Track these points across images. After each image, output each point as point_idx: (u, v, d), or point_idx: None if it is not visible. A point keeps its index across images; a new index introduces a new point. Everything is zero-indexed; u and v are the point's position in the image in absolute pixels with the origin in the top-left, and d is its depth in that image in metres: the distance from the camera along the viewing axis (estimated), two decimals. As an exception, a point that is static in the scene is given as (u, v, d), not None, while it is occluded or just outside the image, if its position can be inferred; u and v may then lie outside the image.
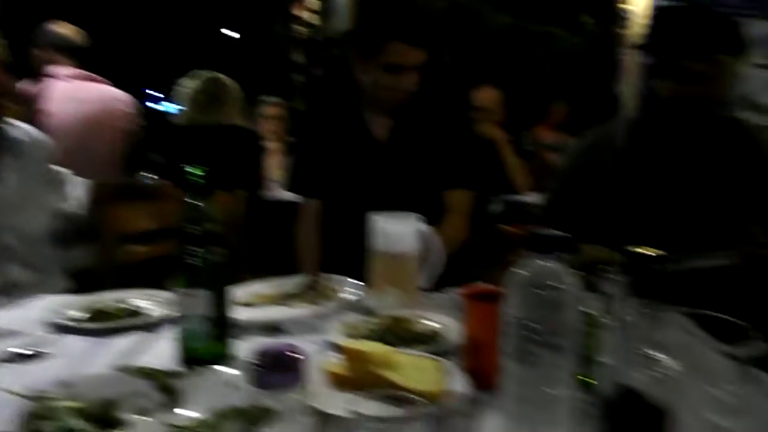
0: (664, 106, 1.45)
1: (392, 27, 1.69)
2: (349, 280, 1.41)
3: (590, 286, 0.96)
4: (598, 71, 5.98)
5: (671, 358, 0.63)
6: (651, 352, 0.61)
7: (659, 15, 1.49)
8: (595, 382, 0.63)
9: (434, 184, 1.82)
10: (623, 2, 6.13)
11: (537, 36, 6.00)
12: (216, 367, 0.90)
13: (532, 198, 3.07)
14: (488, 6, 5.85)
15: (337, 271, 1.48)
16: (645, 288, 0.60)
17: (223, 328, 1.04)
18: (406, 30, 1.69)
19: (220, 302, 1.03)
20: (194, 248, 1.00)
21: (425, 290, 1.40)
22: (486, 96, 3.57)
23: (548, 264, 0.69)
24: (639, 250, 0.61)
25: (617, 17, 6.14)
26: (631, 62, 1.61)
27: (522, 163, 3.45)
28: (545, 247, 0.68)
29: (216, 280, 1.01)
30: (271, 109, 4.00)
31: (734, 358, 0.72)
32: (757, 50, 6.71)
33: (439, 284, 1.44)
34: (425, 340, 1.09)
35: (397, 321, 1.15)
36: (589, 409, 0.65)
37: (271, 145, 3.66)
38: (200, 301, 1.00)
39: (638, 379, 0.60)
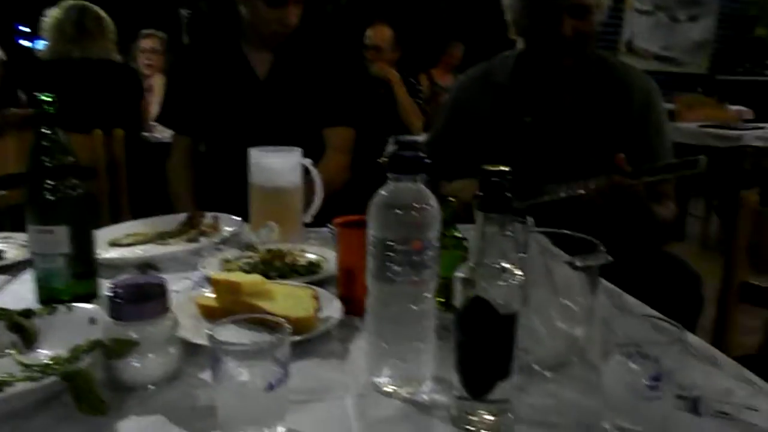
0: (555, 41, 1.48)
1: None
2: (229, 216, 1.38)
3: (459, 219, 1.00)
4: (493, 12, 6.06)
5: (523, 271, 0.67)
6: (504, 264, 0.63)
7: None
8: (454, 294, 0.65)
9: (314, 120, 1.80)
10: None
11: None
12: (76, 304, 0.86)
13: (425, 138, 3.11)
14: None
15: (218, 208, 1.44)
16: (495, 203, 0.62)
17: (85, 266, 0.99)
18: None
19: (81, 239, 0.97)
20: (48, 182, 0.93)
21: (307, 225, 1.40)
22: (379, 34, 3.53)
23: (408, 185, 0.69)
24: (489, 167, 0.62)
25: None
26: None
27: (416, 104, 3.46)
28: (405, 168, 0.69)
29: (74, 216, 0.96)
30: (148, 41, 3.72)
31: (582, 268, 0.77)
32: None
33: (321, 221, 1.44)
34: (303, 272, 1.09)
35: (276, 254, 1.14)
36: (448, 323, 0.67)
37: (152, 81, 3.47)
38: (57, 238, 0.95)
39: (490, 288, 0.62)
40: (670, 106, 4.83)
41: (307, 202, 1.42)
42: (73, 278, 0.97)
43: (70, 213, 0.95)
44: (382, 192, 0.70)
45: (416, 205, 0.69)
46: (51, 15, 2.74)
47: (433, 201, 0.70)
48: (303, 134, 1.72)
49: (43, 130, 0.93)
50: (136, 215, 2.38)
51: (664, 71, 7.25)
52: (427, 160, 0.71)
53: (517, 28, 1.58)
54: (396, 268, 0.69)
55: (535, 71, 1.58)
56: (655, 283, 1.34)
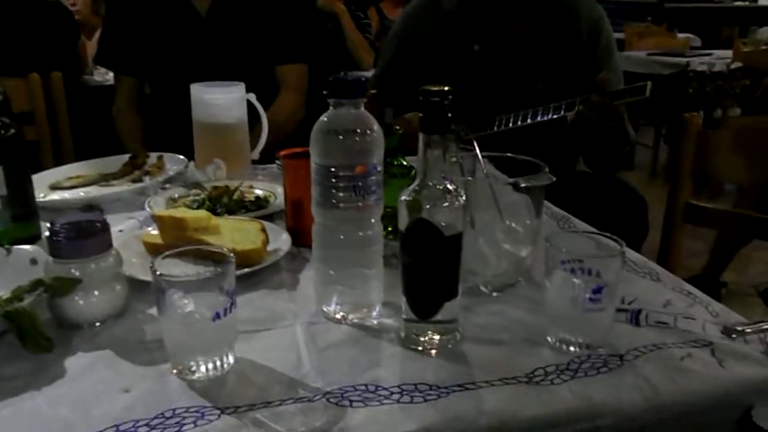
0: None
1: None
2: (174, 155, 1.35)
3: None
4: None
5: (468, 195, 0.67)
6: (448, 185, 0.63)
7: None
8: (399, 217, 0.65)
9: (263, 57, 1.74)
10: None
11: None
12: (16, 246, 0.83)
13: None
14: None
15: (165, 148, 1.40)
16: (436, 123, 0.62)
17: (24, 208, 0.95)
18: None
19: (17, 179, 0.93)
20: (-24, 122, 0.89)
21: (255, 162, 1.38)
22: None
23: (349, 110, 0.68)
24: (430, 87, 0.61)
25: None
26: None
27: (365, 38, 3.39)
28: (345, 93, 0.68)
29: (8, 156, 0.91)
30: None
31: (525, 189, 0.78)
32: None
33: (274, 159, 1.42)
34: (251, 207, 1.08)
35: (223, 191, 1.12)
36: (396, 251, 0.68)
37: (89, 21, 3.29)
38: (-8, 179, 0.91)
39: (434, 210, 0.63)
40: (620, 35, 4.85)
41: (256, 138, 1.39)
42: (12, 221, 0.93)
43: (3, 153, 0.91)
44: (323, 118, 0.69)
45: (358, 130, 0.68)
46: None
47: (375, 125, 0.69)
48: (252, 72, 1.67)
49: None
50: (80, 160, 2.32)
51: (614, 0, 7.25)
52: (365, 80, 0.70)
53: None
54: (340, 194, 0.68)
55: None
56: (602, 208, 1.37)
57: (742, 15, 6.63)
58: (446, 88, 0.61)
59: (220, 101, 1.26)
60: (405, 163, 0.97)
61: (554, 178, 0.76)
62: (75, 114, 2.27)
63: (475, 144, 0.83)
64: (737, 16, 6.52)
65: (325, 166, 0.68)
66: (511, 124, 1.43)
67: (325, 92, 0.69)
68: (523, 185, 0.75)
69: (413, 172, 0.97)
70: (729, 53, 3.79)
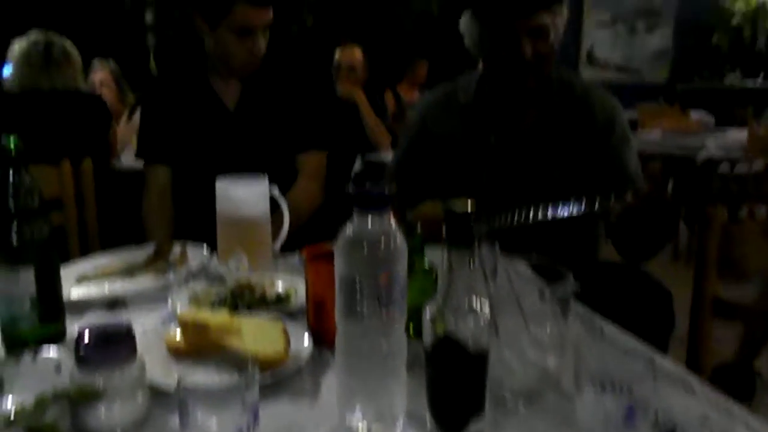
0: (515, 63, 1.49)
1: None
2: (198, 247, 1.37)
3: (427, 240, 1.00)
4: (455, 30, 6.16)
5: (492, 301, 0.67)
6: (473, 300, 0.63)
7: None
8: (424, 333, 0.65)
9: (286, 147, 1.80)
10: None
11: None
12: (44, 349, 0.84)
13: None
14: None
15: (189, 238, 1.42)
16: (460, 237, 0.63)
17: (52, 308, 0.97)
18: None
19: (47, 279, 0.95)
20: (14, 226, 0.91)
21: (277, 254, 1.39)
22: (350, 54, 3.55)
23: (373, 220, 0.69)
24: (453, 201, 0.63)
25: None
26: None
27: (382, 122, 3.48)
28: (369, 205, 0.69)
29: (41, 258, 0.94)
30: (98, 74, 3.61)
31: (552, 296, 0.77)
32: (599, 9, 7.14)
33: (295, 247, 1.43)
34: (273, 304, 1.08)
35: (245, 286, 1.13)
36: (419, 359, 0.67)
37: (115, 109, 3.42)
38: (22, 279, 0.93)
39: (459, 326, 0.63)
40: (633, 115, 4.93)
41: (276, 229, 1.41)
42: (39, 321, 0.95)
43: (37, 255, 0.93)
44: (348, 229, 0.70)
45: (382, 241, 0.69)
46: (18, 45, 2.71)
47: (399, 235, 0.70)
48: (274, 161, 1.72)
49: (7, 173, 0.92)
50: (105, 247, 2.36)
51: (625, 81, 7.42)
52: (391, 194, 0.71)
53: (476, 51, 1.59)
54: (364, 303, 0.68)
55: (498, 92, 1.60)
56: (627, 301, 1.36)
57: (753, 96, 6.73)
58: (470, 201, 0.62)
59: (244, 196, 1.29)
60: (426, 262, 0.97)
61: (579, 287, 0.76)
62: (102, 198, 2.33)
63: (497, 246, 0.83)
64: (748, 97, 6.61)
65: (349, 277, 0.68)
66: (531, 219, 1.44)
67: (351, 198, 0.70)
68: (548, 296, 0.75)
69: (434, 273, 0.98)
70: (743, 132, 3.83)
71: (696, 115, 5.47)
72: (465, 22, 1.58)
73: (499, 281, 0.83)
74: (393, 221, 0.71)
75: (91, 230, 2.27)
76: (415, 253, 0.97)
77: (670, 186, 1.31)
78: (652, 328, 1.44)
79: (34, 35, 2.75)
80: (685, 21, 7.68)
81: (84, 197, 2.24)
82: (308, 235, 1.70)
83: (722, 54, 7.50)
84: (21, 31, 2.80)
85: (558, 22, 1.50)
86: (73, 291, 1.19)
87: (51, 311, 0.97)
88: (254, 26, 1.70)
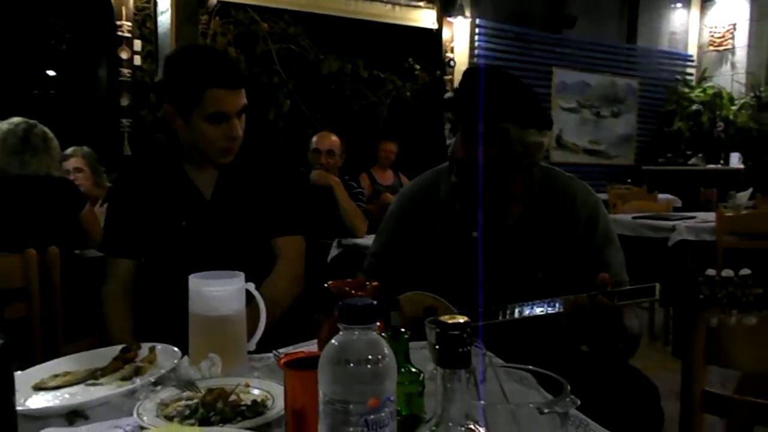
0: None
1: (208, 74, 1.61)
2: (168, 347, 1.29)
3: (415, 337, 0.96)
4: (426, 114, 6.33)
5: (486, 417, 0.62)
6: (469, 426, 0.59)
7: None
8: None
9: (262, 233, 1.76)
10: (448, 51, 6.57)
11: (368, 81, 6.20)
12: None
13: (368, 240, 3.10)
14: (319, 51, 5.96)
15: (157, 338, 1.35)
16: (455, 357, 0.59)
17: (3, 426, 0.89)
18: (222, 75, 1.62)
19: (2, 393, 0.88)
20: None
21: (252, 353, 1.33)
22: (327, 140, 3.59)
23: (360, 335, 0.65)
24: (445, 319, 0.59)
25: (443, 64, 6.56)
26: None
27: (358, 206, 3.47)
28: (356, 319, 0.65)
29: (-7, 369, 0.86)
30: (72, 161, 3.55)
31: (551, 410, 0.73)
32: (565, 95, 7.48)
33: (273, 343, 1.37)
34: (248, 414, 1.01)
35: (218, 394, 1.05)
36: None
37: (91, 193, 3.37)
38: (-28, 397, 0.85)
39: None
40: (603, 196, 5.04)
41: (252, 326, 1.35)
42: (-12, 440, 0.86)
43: (-12, 366, 0.86)
44: (333, 343, 0.66)
45: (370, 358, 0.64)
46: None
47: (388, 350, 0.66)
48: (250, 249, 1.68)
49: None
50: (70, 339, 2.26)
51: (594, 163, 7.65)
52: (378, 305, 0.67)
53: (454, 150, 1.60)
54: (351, 429, 0.63)
55: (476, 191, 1.59)
56: (612, 396, 1.32)
57: (715, 177, 6.97)
58: (464, 320, 0.59)
59: (218, 293, 1.24)
60: (413, 368, 0.93)
61: (579, 402, 0.72)
62: (67, 287, 2.24)
63: (489, 356, 0.79)
64: (712, 179, 6.85)
65: (335, 399, 0.63)
66: (516, 315, 1.41)
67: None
68: (546, 411, 0.70)
69: (422, 377, 0.93)
70: (711, 215, 3.91)
71: (663, 197, 5.62)
72: (446, 120, 1.60)
73: (492, 392, 0.79)
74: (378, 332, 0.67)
75: (57, 322, 2.17)
76: (401, 357, 0.93)
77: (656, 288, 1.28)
78: (641, 425, 1.39)
79: (16, 120, 2.74)
80: (645, 108, 8.05)
81: (50, 286, 2.15)
82: (281, 327, 1.65)
83: (684, 139, 7.81)
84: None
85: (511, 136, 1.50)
86: (30, 401, 1.10)
87: (6, 428, 0.89)
88: (228, 111, 1.63)
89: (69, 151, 3.58)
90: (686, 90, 8.03)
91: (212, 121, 1.63)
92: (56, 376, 1.21)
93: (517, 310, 1.38)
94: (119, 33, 4.88)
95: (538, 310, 1.36)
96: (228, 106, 1.63)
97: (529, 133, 1.50)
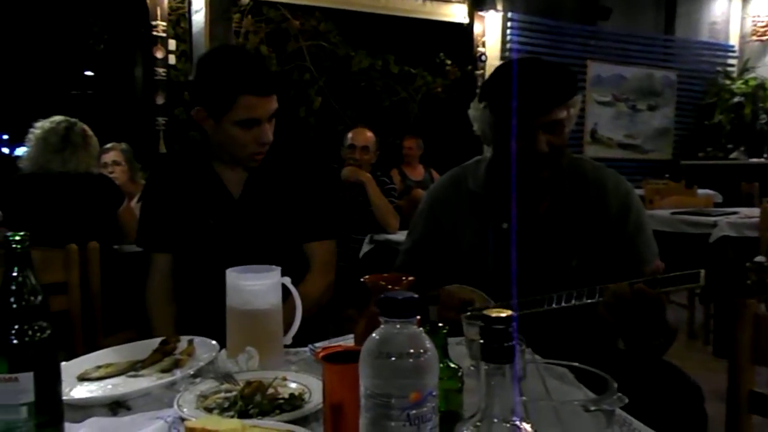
0: (528, 157, 1.47)
1: (240, 81, 1.60)
2: (206, 340, 1.31)
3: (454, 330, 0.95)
4: (459, 109, 6.28)
5: (529, 416, 0.61)
6: (513, 422, 0.58)
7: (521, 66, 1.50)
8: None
9: (293, 236, 1.75)
10: (480, 45, 6.51)
11: (399, 76, 6.18)
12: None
13: (400, 236, 3.08)
14: (350, 48, 5.96)
15: (195, 332, 1.37)
16: (500, 352, 0.58)
17: (51, 414, 0.90)
18: (254, 81, 1.61)
19: (47, 384, 0.89)
20: (13, 325, 0.86)
21: (288, 347, 1.33)
22: (363, 136, 3.59)
23: (402, 329, 0.65)
24: (489, 313, 0.58)
25: (474, 59, 6.50)
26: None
27: (390, 202, 3.46)
28: (397, 312, 0.64)
29: (40, 360, 0.88)
30: (110, 155, 3.63)
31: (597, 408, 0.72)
32: (599, 89, 7.33)
33: (306, 338, 1.38)
34: (286, 407, 1.02)
35: (256, 387, 1.06)
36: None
37: (127, 188, 3.44)
38: (21, 386, 0.87)
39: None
40: (640, 192, 4.94)
41: (287, 320, 1.36)
42: (36, 429, 0.88)
43: (35, 358, 0.88)
44: (374, 336, 0.65)
45: (412, 351, 0.64)
46: (40, 126, 2.76)
47: (429, 344, 0.65)
48: (281, 250, 1.67)
49: (12, 271, 0.88)
50: (109, 332, 2.30)
51: (629, 158, 7.51)
52: (419, 298, 0.66)
53: (486, 139, 1.58)
54: (392, 423, 0.63)
55: (509, 180, 1.57)
56: (654, 396, 1.29)
57: (757, 171, 6.78)
58: (509, 314, 0.58)
59: (255, 287, 1.25)
60: (452, 364, 0.92)
61: (626, 400, 0.70)
62: (106, 281, 2.29)
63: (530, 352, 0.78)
64: (754, 173, 6.66)
65: (376, 393, 0.63)
66: (554, 306, 1.38)
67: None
68: (592, 409, 0.69)
69: (461, 373, 0.92)
70: (755, 211, 3.80)
71: (703, 192, 5.48)
72: (476, 111, 1.56)
73: (534, 388, 0.77)
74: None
75: (96, 314, 2.22)
76: (440, 353, 0.92)
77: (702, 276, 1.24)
78: (684, 426, 1.36)
79: (57, 118, 2.80)
80: (684, 101, 7.85)
81: (90, 281, 2.20)
82: (315, 324, 1.65)
83: (724, 132, 7.61)
84: (39, 117, 2.86)
85: (572, 113, 1.49)
86: (74, 391, 1.12)
87: (49, 418, 0.90)
88: (259, 117, 1.62)
89: (108, 145, 3.67)
90: (727, 82, 7.81)
91: (243, 126, 1.63)
92: (99, 367, 1.24)
93: (554, 301, 1.36)
94: (154, 33, 4.95)
95: (574, 301, 1.34)
96: (259, 112, 1.63)
97: (576, 103, 1.50)
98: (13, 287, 0.88)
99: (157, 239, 1.78)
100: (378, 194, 3.38)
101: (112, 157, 3.61)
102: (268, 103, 1.64)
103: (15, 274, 0.88)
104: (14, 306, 0.87)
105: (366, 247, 3.36)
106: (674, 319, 1.49)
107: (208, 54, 1.82)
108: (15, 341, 0.87)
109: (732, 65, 8.14)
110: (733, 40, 8.23)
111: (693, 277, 1.25)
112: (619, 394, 0.71)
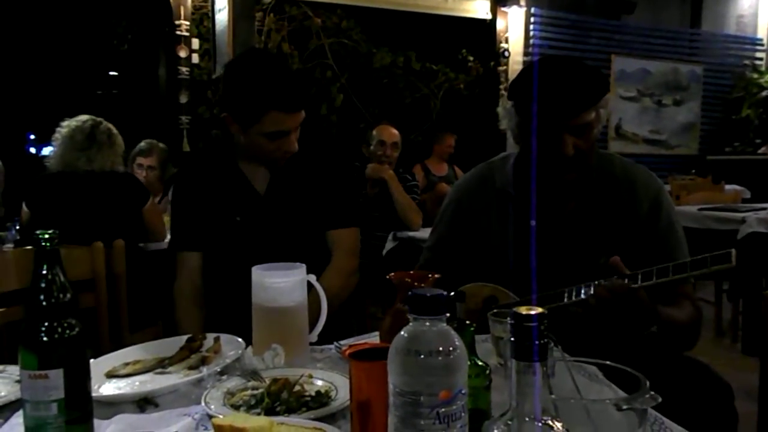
0: (556, 158, 1.45)
1: (270, 97, 1.61)
2: (232, 338, 1.31)
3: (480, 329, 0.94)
4: (481, 105, 6.25)
5: (560, 415, 0.60)
6: (545, 421, 0.57)
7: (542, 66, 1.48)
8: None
9: (317, 226, 1.77)
10: (503, 41, 6.46)
11: (421, 73, 6.16)
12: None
13: (423, 233, 3.08)
14: (372, 45, 5.95)
15: (221, 329, 1.37)
16: (531, 350, 0.57)
17: (80, 410, 0.91)
18: (283, 98, 1.62)
19: (77, 381, 0.90)
20: (43, 322, 0.87)
21: (314, 344, 1.33)
22: (389, 132, 3.58)
23: (431, 326, 0.64)
24: (520, 310, 0.57)
25: (497, 55, 6.46)
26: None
27: (413, 199, 3.45)
28: (426, 309, 0.64)
29: (69, 357, 0.89)
30: (143, 159, 3.68)
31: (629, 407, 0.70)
32: (624, 84, 7.23)
33: (330, 335, 1.38)
34: (313, 405, 1.02)
35: (283, 384, 1.06)
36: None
37: (153, 187, 3.48)
38: (51, 382, 0.88)
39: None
40: (666, 187, 4.86)
41: (312, 316, 1.36)
42: (65, 425, 0.89)
43: (66, 354, 0.89)
44: (403, 334, 0.65)
45: (441, 349, 0.63)
46: (66, 125, 2.79)
47: (459, 342, 0.64)
48: (306, 242, 1.68)
49: (41, 269, 0.89)
50: (135, 329, 2.33)
51: (655, 154, 7.40)
52: (449, 295, 0.66)
53: (514, 137, 1.56)
54: (422, 422, 0.62)
55: (537, 180, 1.55)
56: (685, 397, 1.26)
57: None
58: (541, 311, 0.57)
59: (281, 285, 1.25)
60: (480, 362, 0.91)
61: (659, 398, 0.69)
62: (132, 278, 2.32)
63: (561, 351, 0.77)
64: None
65: (405, 391, 0.62)
66: (574, 298, 1.36)
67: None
68: (625, 408, 0.68)
69: (488, 371, 0.91)
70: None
71: (730, 188, 5.38)
72: (504, 108, 1.55)
73: (564, 386, 0.76)
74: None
75: (122, 312, 2.25)
76: (467, 350, 0.91)
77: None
78: (714, 425, 1.33)
79: (83, 117, 2.84)
80: (710, 95, 7.71)
81: (116, 278, 2.23)
82: (339, 319, 1.65)
83: (752, 127, 7.45)
84: (65, 117, 2.90)
85: (602, 114, 1.46)
86: (103, 388, 1.14)
87: (79, 414, 0.91)
88: (287, 129, 1.65)
89: (144, 145, 3.69)
90: (755, 75, 7.65)
91: (270, 138, 1.65)
92: (127, 364, 1.25)
93: (573, 294, 1.34)
94: (178, 32, 4.99)
95: (591, 293, 1.32)
96: (287, 125, 1.65)
97: (606, 103, 1.48)
98: (43, 285, 0.89)
99: (186, 238, 1.80)
100: (401, 191, 3.37)
101: (149, 163, 3.66)
102: (296, 117, 1.66)
103: (44, 271, 0.89)
104: (44, 303, 0.88)
105: (389, 245, 3.36)
106: (687, 316, 1.46)
107: (237, 60, 1.83)
108: (45, 338, 0.88)
109: (760, 58, 7.97)
110: (761, 33, 8.06)
111: (725, 258, 1.21)
112: (652, 392, 0.70)
